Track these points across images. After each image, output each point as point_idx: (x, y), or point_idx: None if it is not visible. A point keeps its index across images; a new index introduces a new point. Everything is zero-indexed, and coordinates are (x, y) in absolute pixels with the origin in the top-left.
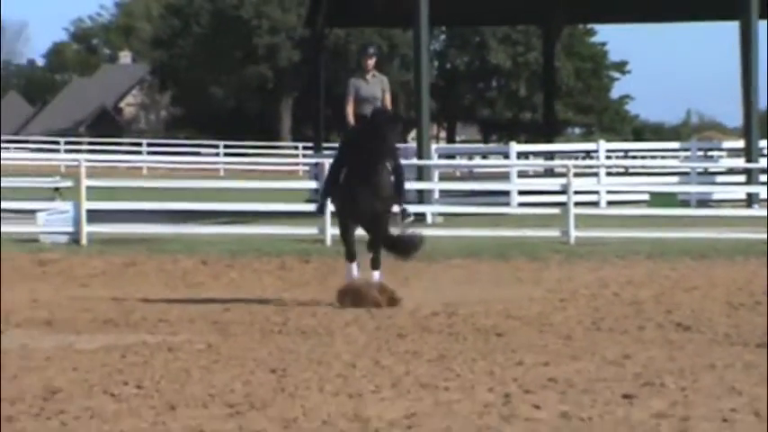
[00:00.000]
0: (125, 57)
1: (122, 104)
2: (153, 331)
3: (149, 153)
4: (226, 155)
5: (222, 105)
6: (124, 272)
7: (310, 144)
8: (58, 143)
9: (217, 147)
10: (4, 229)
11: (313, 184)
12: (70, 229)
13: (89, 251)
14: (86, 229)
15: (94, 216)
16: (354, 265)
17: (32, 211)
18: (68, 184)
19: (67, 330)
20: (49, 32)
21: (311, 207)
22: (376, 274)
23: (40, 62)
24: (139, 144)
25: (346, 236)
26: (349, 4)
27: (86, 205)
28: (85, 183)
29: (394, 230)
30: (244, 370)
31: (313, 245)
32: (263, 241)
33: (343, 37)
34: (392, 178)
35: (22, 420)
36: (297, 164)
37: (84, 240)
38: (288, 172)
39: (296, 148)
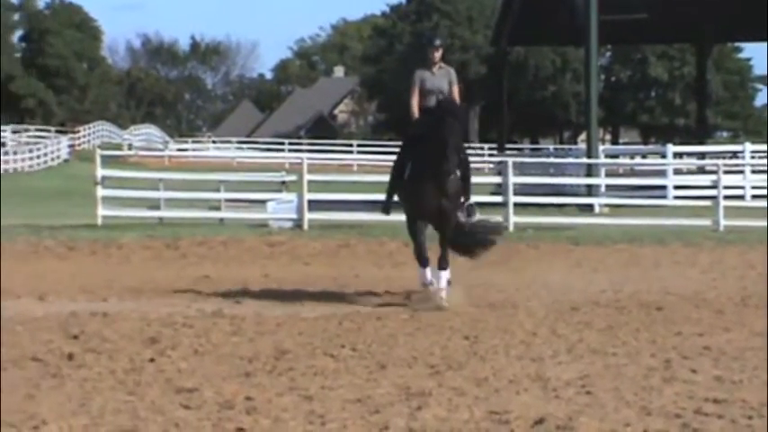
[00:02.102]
0: (339, 71)
1: (336, 111)
2: (364, 302)
3: (359, 152)
4: None
5: None
6: (339, 252)
7: (494, 145)
8: (282, 144)
9: None
10: (240, 215)
11: (497, 179)
12: (294, 216)
13: (310, 235)
14: (308, 216)
15: (314, 205)
16: (428, 271)
17: (263, 201)
18: (292, 178)
19: (294, 301)
20: (277, 51)
21: (496, 199)
22: (443, 275)
23: (269, 76)
24: (350, 145)
25: (415, 236)
26: (529, 26)
27: (307, 196)
28: (307, 177)
29: (466, 227)
30: (441, 336)
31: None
32: None
33: (523, 53)
34: (458, 172)
35: (258, 376)
36: (482, 162)
37: (305, 226)
38: (474, 169)
39: (482, 148)
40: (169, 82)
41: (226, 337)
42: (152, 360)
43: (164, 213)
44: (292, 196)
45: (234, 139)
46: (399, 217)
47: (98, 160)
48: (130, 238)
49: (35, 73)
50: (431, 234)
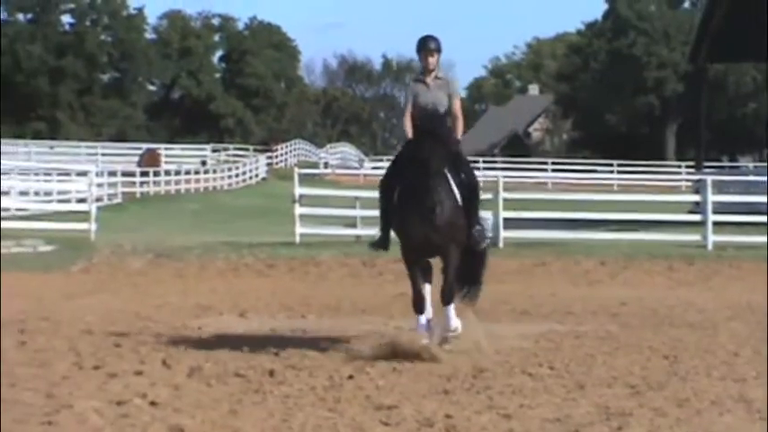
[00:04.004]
0: (533, 89)
1: (531, 129)
2: (561, 321)
3: (553, 170)
4: (619, 172)
5: (615, 130)
6: (534, 271)
7: (692, 163)
8: (477, 162)
9: (611, 165)
10: None
11: (695, 198)
12: (490, 234)
13: (505, 252)
14: (503, 234)
15: (509, 223)
16: (423, 319)
17: None
18: (488, 196)
19: (490, 319)
20: (472, 70)
21: (694, 218)
22: (449, 312)
23: (463, 94)
24: (545, 163)
25: (410, 273)
26: (728, 42)
27: (503, 214)
28: (502, 195)
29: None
30: (641, 356)
31: (696, 249)
32: (653, 246)
33: (722, 70)
34: (457, 195)
35: (457, 394)
36: (680, 180)
37: (501, 243)
38: (671, 187)
39: (679, 166)
40: (364, 100)
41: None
42: (351, 377)
43: (360, 231)
44: (487, 214)
45: None
46: (594, 236)
47: (296, 178)
48: (328, 255)
49: (234, 93)
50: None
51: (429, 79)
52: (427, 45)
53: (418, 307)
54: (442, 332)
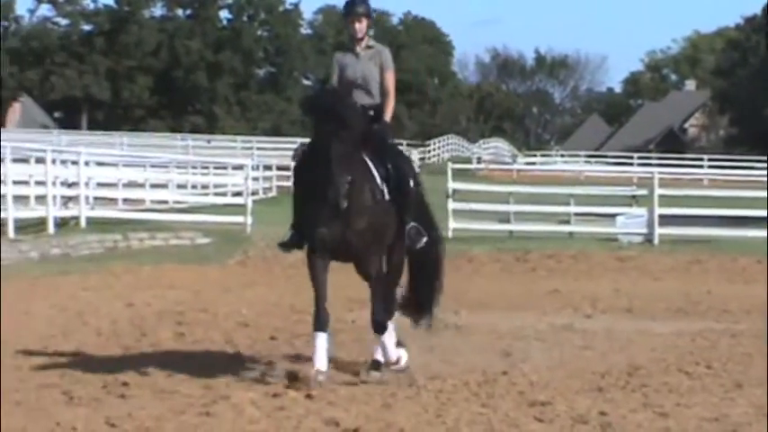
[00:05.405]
0: (690, 84)
1: (687, 125)
2: (718, 319)
3: (709, 167)
4: None
5: None
6: (690, 268)
7: None
8: (631, 158)
9: None
10: (589, 229)
11: None
12: (644, 231)
13: (660, 250)
14: (658, 230)
15: (665, 220)
16: (321, 339)
17: (612, 215)
18: (642, 192)
19: (645, 316)
20: (626, 63)
21: None
22: (384, 342)
23: (618, 89)
24: (701, 159)
25: (313, 283)
26: None
27: (658, 211)
28: (658, 191)
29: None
30: None
31: None
32: None
33: None
34: (380, 186)
35: (611, 392)
36: None
37: (656, 240)
38: None
39: None
40: (518, 96)
41: (577, 352)
42: (505, 373)
43: (513, 227)
44: (642, 211)
45: (582, 153)
46: (752, 233)
47: (449, 173)
48: (480, 250)
49: None
50: None
51: (359, 48)
52: (354, 9)
53: (318, 323)
54: (385, 366)
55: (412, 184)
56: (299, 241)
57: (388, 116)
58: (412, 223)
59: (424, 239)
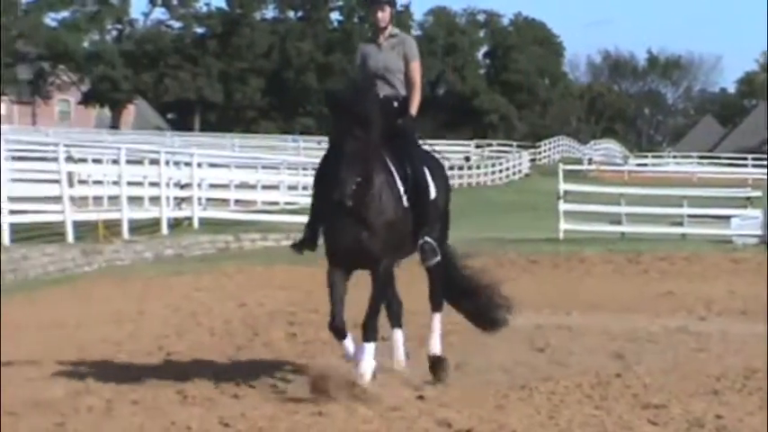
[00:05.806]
0: None
1: None
2: None
3: None
4: None
5: None
6: None
7: None
8: (745, 159)
9: None
10: (703, 231)
11: None
12: (760, 233)
13: None
14: None
15: None
16: (348, 342)
17: (726, 217)
18: (758, 194)
19: (760, 319)
20: (741, 63)
21: None
22: (366, 351)
23: (731, 89)
24: None
25: (331, 289)
26: None
27: None
28: None
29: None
30: None
31: None
32: None
33: None
34: (401, 190)
35: (727, 395)
36: None
37: None
38: None
39: None
40: (629, 97)
41: (692, 354)
42: (618, 375)
43: (625, 228)
44: (758, 212)
45: (694, 154)
46: None
47: (560, 175)
48: (592, 252)
49: (498, 89)
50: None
51: (381, 38)
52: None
53: (336, 331)
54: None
55: (434, 193)
56: (312, 241)
57: (413, 109)
58: (426, 238)
59: (437, 259)
